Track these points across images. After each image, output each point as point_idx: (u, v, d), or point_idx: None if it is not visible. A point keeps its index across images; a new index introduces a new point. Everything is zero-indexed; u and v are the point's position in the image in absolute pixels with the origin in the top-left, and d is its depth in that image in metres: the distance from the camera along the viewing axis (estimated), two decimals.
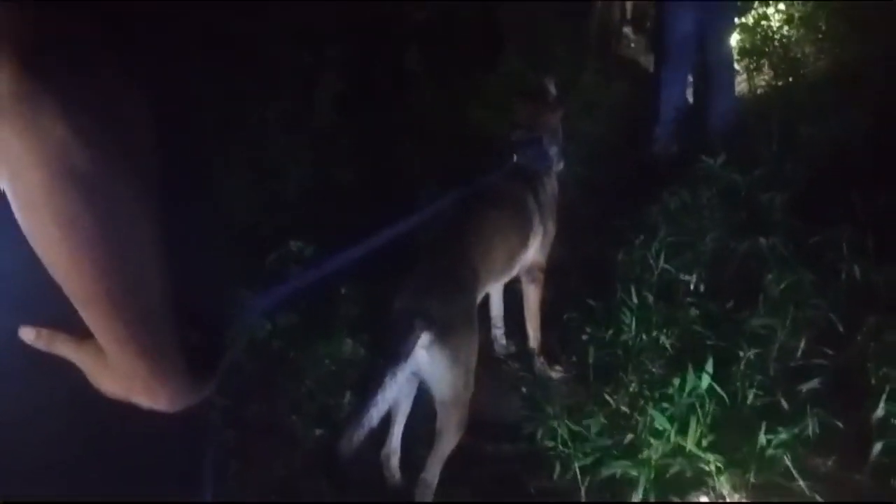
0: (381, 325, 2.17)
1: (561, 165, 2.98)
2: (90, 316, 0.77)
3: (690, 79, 4.53)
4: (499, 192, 2.72)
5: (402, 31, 5.22)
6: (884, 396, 2.19)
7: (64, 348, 0.81)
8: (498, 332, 3.03)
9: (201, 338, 0.88)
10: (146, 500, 0.91)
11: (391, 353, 2.03)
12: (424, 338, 2.05)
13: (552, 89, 2.99)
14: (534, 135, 2.83)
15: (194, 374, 0.84)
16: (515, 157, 2.79)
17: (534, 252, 2.83)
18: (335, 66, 4.97)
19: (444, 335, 2.09)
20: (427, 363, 2.09)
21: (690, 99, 4.58)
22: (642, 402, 2.43)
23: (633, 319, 2.77)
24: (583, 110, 4.75)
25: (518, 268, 2.81)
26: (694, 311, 2.77)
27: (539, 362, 2.90)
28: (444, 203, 2.53)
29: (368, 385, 2.07)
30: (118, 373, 0.80)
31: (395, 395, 2.08)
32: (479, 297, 2.46)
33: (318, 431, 2.62)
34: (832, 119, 3.89)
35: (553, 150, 2.88)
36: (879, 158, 3.51)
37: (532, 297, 2.91)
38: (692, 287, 2.96)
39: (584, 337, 2.90)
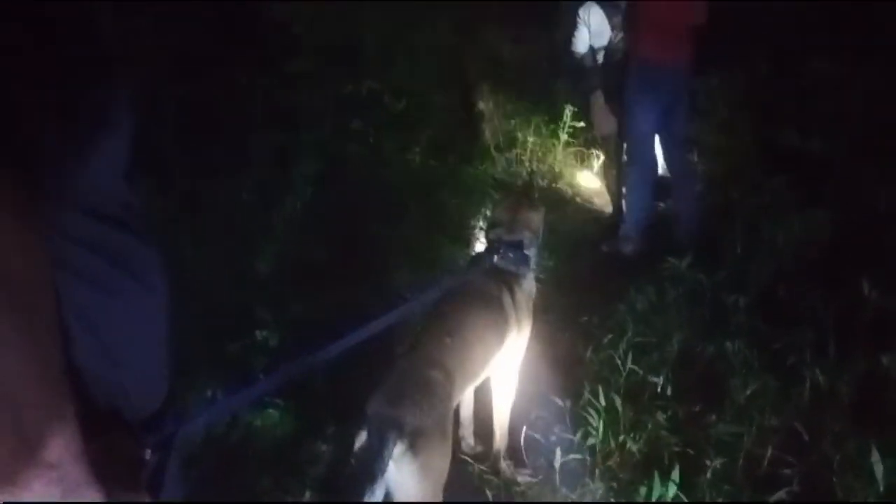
0: (351, 430, 2.09)
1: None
2: None
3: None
4: (477, 292, 2.65)
5: (379, 116, 5.34)
6: None
7: None
8: (466, 431, 2.98)
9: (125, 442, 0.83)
10: None
11: (366, 469, 1.96)
12: (396, 449, 1.99)
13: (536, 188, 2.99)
14: (515, 237, 2.78)
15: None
16: (495, 258, 2.72)
17: (507, 353, 2.80)
18: (310, 148, 5.04)
19: (416, 447, 2.01)
20: (395, 474, 2.00)
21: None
22: None
23: (601, 422, 2.76)
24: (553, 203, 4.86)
25: (492, 369, 2.74)
26: (661, 415, 2.76)
27: (505, 464, 2.85)
28: (421, 300, 2.49)
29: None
30: None
31: None
32: (455, 404, 2.38)
33: None
34: (795, 219, 3.99)
35: (532, 251, 2.84)
36: (840, 260, 3.61)
37: (502, 398, 2.85)
38: (659, 389, 2.95)
39: (552, 438, 2.88)
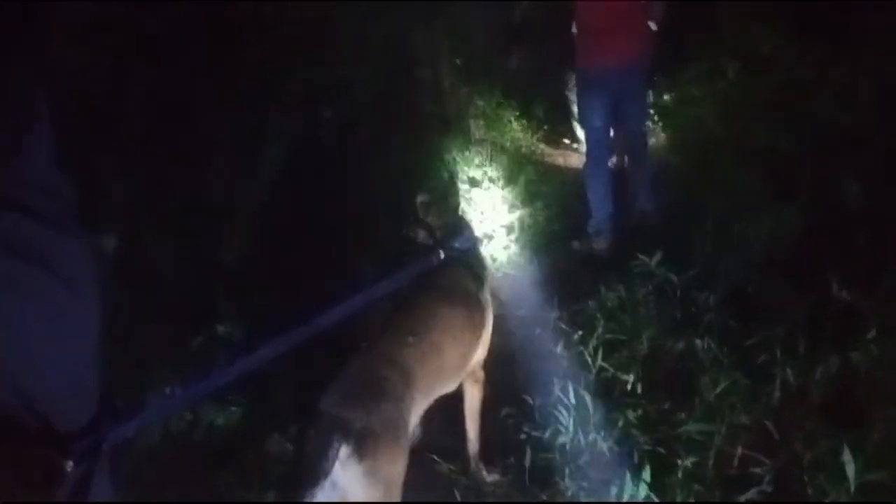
0: (304, 428, 2.01)
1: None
2: None
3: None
4: (452, 287, 2.55)
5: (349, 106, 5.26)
6: None
7: None
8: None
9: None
10: None
11: (310, 471, 1.88)
12: (342, 452, 1.91)
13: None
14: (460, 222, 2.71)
15: None
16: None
17: (482, 352, 2.72)
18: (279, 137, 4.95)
19: (362, 450, 1.93)
20: (342, 479, 1.92)
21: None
22: None
23: (571, 420, 2.71)
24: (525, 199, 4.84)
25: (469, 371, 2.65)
26: (632, 413, 2.72)
27: (474, 464, 2.79)
28: (382, 289, 2.38)
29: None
30: None
31: None
32: (418, 407, 2.26)
33: None
34: (765, 216, 3.99)
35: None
36: (810, 257, 3.60)
37: (474, 397, 2.77)
38: (629, 387, 2.92)
39: (522, 436, 2.83)
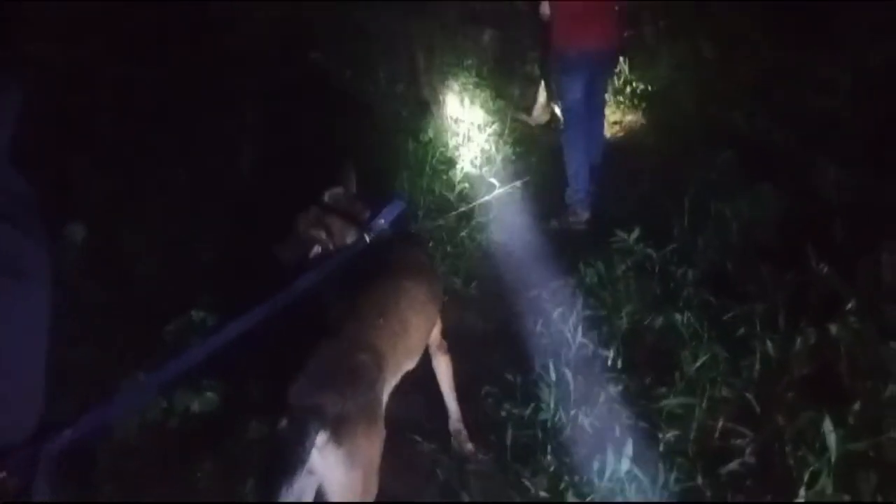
0: (274, 416, 1.95)
1: None
2: None
3: None
4: (407, 262, 2.51)
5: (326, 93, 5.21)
6: (804, 483, 2.15)
7: None
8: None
9: None
10: None
11: (284, 460, 1.84)
12: (319, 438, 1.86)
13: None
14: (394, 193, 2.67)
15: None
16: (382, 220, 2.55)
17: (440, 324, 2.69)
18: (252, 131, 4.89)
19: (339, 434, 1.89)
20: (321, 465, 1.89)
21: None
22: (562, 486, 2.33)
23: (552, 396, 2.69)
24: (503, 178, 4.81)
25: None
26: (612, 388, 2.71)
27: (456, 441, 2.76)
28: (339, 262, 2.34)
29: (263, 494, 1.85)
30: None
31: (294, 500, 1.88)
32: (390, 385, 2.23)
33: None
34: (743, 195, 3.99)
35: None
36: (788, 233, 3.61)
37: (445, 367, 2.75)
38: (610, 362, 2.91)
39: (503, 414, 2.81)
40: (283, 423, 1.91)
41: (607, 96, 5.20)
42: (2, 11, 0.70)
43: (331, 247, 2.55)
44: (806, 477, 2.16)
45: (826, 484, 2.16)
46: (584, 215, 4.54)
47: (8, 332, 0.83)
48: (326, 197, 2.64)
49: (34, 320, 0.86)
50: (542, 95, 5.83)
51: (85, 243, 4.07)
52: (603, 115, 4.86)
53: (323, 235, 2.55)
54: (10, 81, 0.79)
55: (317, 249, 2.57)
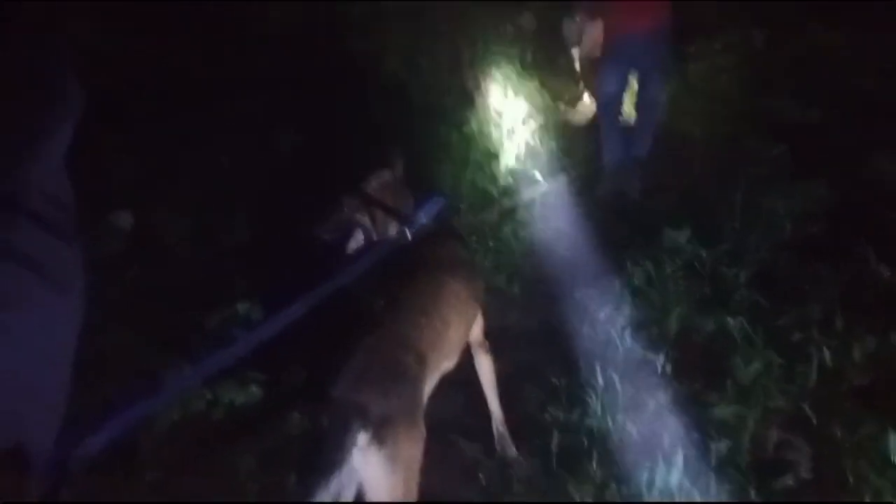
0: (316, 413, 1.92)
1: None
2: None
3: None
4: (449, 258, 2.45)
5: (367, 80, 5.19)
6: (865, 501, 2.06)
7: None
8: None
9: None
10: None
11: (324, 458, 1.81)
12: (361, 438, 1.84)
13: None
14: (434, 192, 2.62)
15: None
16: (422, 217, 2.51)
17: (481, 321, 2.63)
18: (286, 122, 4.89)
19: (382, 435, 1.87)
20: (362, 466, 1.86)
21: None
22: (608, 496, 2.27)
23: (599, 402, 2.63)
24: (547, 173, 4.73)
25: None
26: (662, 395, 2.64)
27: (499, 444, 2.72)
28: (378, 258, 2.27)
29: (301, 491, 1.83)
30: None
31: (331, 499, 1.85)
32: (431, 384, 2.21)
33: None
34: (796, 190, 3.86)
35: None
36: (844, 232, 3.48)
37: (487, 366, 2.70)
38: (659, 368, 2.83)
39: (547, 417, 2.76)
40: (325, 420, 1.89)
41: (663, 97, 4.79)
42: (2, 11, 0.69)
43: (373, 235, 2.52)
44: (867, 496, 2.07)
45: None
46: (626, 179, 4.40)
47: (48, 346, 0.82)
48: (374, 179, 2.60)
49: (70, 332, 0.86)
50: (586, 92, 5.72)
51: (132, 230, 4.12)
52: (655, 115, 4.54)
53: (367, 221, 2.53)
54: (74, 86, 0.76)
55: (358, 235, 2.55)
